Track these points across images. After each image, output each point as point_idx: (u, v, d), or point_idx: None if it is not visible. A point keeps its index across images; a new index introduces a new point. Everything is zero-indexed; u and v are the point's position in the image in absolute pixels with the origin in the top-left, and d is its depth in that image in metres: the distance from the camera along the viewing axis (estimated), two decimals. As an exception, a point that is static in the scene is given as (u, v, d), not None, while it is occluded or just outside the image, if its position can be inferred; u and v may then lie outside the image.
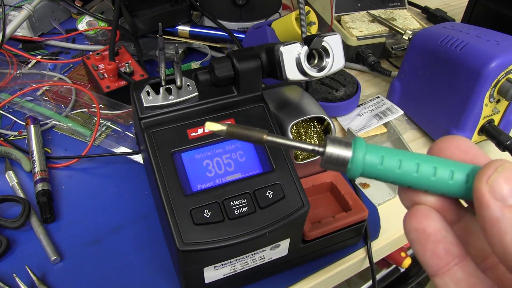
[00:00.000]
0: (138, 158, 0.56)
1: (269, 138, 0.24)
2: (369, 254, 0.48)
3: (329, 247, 0.46)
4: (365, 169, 0.23)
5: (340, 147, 0.23)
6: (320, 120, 0.48)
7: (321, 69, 0.42)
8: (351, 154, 0.23)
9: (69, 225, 0.49)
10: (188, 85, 0.42)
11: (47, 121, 0.60)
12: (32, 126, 0.57)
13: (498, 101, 0.56)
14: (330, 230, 0.44)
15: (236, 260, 0.40)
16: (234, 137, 0.24)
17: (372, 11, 0.77)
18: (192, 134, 0.40)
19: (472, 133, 0.57)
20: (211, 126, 0.24)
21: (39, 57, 0.70)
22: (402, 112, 0.62)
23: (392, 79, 0.67)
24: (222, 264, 0.39)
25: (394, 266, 0.88)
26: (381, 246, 0.50)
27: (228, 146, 0.41)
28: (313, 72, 0.41)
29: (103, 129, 0.60)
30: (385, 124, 0.62)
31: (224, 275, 0.41)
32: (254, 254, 0.40)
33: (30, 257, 0.46)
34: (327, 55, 0.42)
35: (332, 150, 0.23)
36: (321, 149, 0.23)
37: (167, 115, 0.41)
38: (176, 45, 0.74)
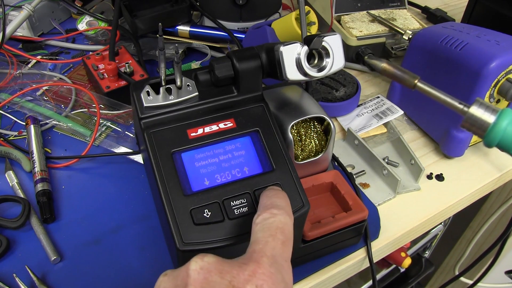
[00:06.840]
0: (138, 158, 0.56)
1: (420, 84, 0.26)
2: (369, 254, 0.48)
3: (329, 247, 0.46)
4: (504, 138, 0.23)
5: (486, 111, 0.23)
6: (320, 120, 0.48)
7: (321, 69, 0.42)
8: (494, 119, 0.23)
9: (69, 225, 0.49)
10: (188, 85, 0.42)
11: (47, 121, 0.60)
12: (32, 126, 0.57)
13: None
14: (330, 230, 0.44)
15: (236, 260, 0.40)
16: (388, 76, 0.27)
17: (372, 11, 0.77)
18: (192, 134, 0.40)
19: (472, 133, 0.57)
20: (370, 60, 0.27)
21: (39, 57, 0.70)
22: (402, 112, 0.62)
23: (392, 79, 0.67)
24: (222, 264, 0.39)
25: (394, 266, 0.88)
26: (381, 246, 0.50)
27: (228, 146, 0.40)
28: (313, 72, 0.41)
29: (103, 129, 0.60)
30: (385, 124, 0.62)
31: (224, 275, 0.41)
32: (254, 254, 0.40)
33: (30, 257, 0.46)
34: (327, 55, 0.42)
35: (477, 111, 0.23)
36: (465, 108, 0.24)
37: (167, 115, 0.41)
38: (176, 45, 0.74)
